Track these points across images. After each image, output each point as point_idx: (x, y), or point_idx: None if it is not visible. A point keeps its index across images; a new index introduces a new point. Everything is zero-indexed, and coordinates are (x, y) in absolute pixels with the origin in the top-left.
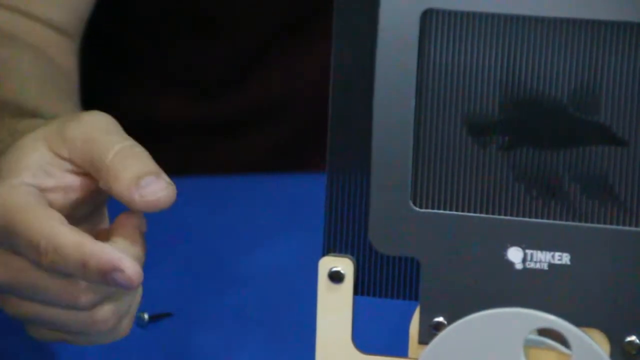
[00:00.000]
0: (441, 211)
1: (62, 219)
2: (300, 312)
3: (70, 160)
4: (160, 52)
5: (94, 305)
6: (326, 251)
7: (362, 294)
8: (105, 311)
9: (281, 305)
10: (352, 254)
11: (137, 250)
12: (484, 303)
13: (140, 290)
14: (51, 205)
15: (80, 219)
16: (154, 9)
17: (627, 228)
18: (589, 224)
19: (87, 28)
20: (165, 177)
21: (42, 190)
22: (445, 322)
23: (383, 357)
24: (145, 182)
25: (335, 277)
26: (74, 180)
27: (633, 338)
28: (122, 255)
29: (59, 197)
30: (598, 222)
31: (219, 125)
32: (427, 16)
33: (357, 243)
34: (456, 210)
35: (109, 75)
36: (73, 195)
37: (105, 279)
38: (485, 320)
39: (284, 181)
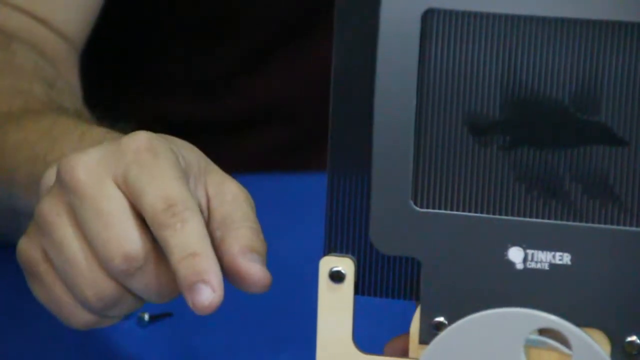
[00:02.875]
0: (442, 211)
1: None
2: (300, 312)
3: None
4: (162, 53)
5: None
6: (327, 251)
7: (363, 294)
8: (109, 290)
9: (281, 305)
10: (353, 254)
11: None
12: (484, 303)
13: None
14: None
15: None
16: (156, 9)
17: (627, 228)
18: (589, 224)
19: (92, 29)
20: (263, 267)
21: None
22: (446, 322)
23: (383, 357)
24: (242, 261)
25: (336, 277)
26: None
27: (634, 338)
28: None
29: None
30: (599, 222)
31: (220, 126)
32: (428, 16)
33: (358, 243)
34: (457, 210)
35: (111, 76)
36: None
37: (191, 288)
38: (485, 320)
39: (284, 181)
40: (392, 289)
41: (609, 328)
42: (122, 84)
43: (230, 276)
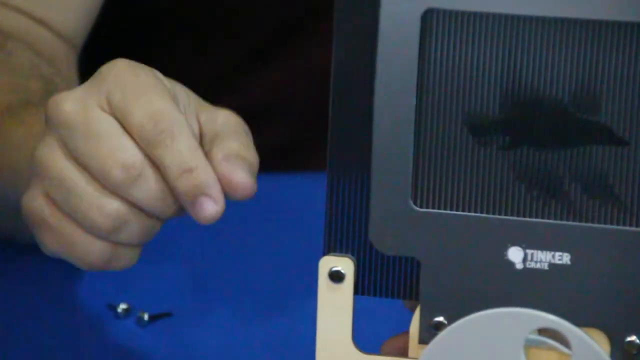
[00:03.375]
0: (441, 211)
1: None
2: (300, 312)
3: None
4: (160, 52)
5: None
6: (326, 251)
7: (362, 293)
8: (114, 206)
9: (281, 305)
10: (353, 254)
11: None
12: (484, 303)
13: (156, 228)
14: None
15: None
16: (154, 9)
17: (627, 228)
18: (589, 224)
19: (90, 29)
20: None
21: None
22: (446, 322)
23: (383, 357)
24: (230, 165)
25: (336, 276)
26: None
27: (633, 338)
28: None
29: None
30: (598, 222)
31: None
32: (428, 16)
33: (358, 243)
34: (456, 210)
35: None
36: None
37: (194, 200)
38: (485, 320)
39: (284, 181)
40: (391, 289)
41: (608, 328)
42: None
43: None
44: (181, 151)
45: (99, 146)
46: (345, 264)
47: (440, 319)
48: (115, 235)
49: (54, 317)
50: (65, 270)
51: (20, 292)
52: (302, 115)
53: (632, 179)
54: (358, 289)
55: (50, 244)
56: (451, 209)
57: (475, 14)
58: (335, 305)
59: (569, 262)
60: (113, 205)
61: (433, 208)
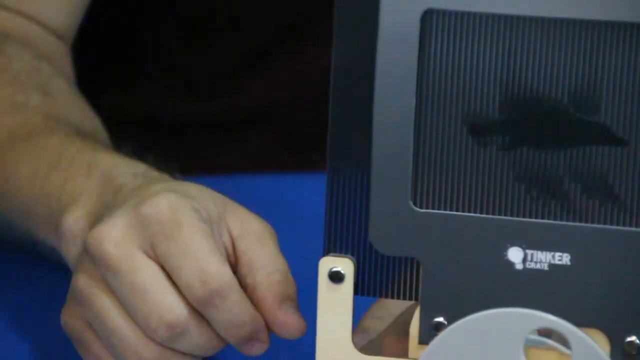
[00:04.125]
0: (441, 211)
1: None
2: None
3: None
4: (160, 52)
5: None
6: (326, 251)
7: (362, 294)
8: (155, 354)
9: None
10: (352, 254)
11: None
12: (484, 303)
13: None
14: None
15: None
16: (154, 8)
17: (627, 228)
18: (589, 224)
19: (88, 27)
20: (299, 316)
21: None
22: (446, 322)
23: (382, 358)
24: (280, 311)
25: (336, 277)
26: None
27: (633, 338)
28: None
29: None
30: (598, 222)
31: (219, 125)
32: (428, 16)
33: (357, 243)
34: (456, 210)
35: (109, 74)
36: None
37: (247, 342)
38: (485, 321)
39: (284, 181)
40: (391, 289)
41: (608, 328)
42: (118, 83)
43: (268, 325)
44: (231, 309)
45: (143, 300)
46: (345, 265)
47: (440, 319)
48: None
49: (55, 318)
50: (65, 272)
51: (20, 293)
52: (302, 115)
53: (632, 179)
54: (358, 289)
55: None
56: (451, 209)
57: (475, 14)
58: (335, 306)
59: (569, 263)
60: (155, 353)
61: (433, 208)
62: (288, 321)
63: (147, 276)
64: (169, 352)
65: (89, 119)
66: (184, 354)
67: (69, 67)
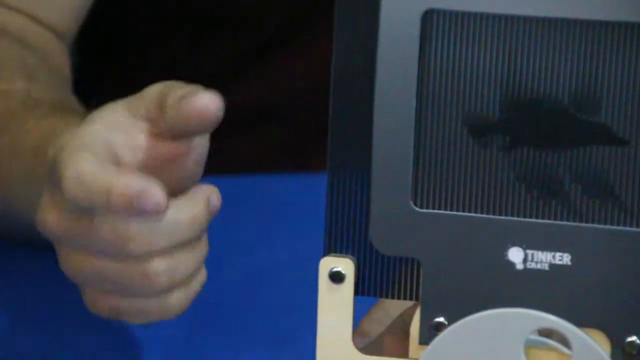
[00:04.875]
0: (442, 211)
1: (97, 152)
2: (300, 312)
3: (147, 119)
4: (159, 52)
5: (146, 257)
6: (327, 251)
7: (363, 294)
8: (158, 265)
9: (281, 305)
10: (353, 254)
11: (194, 211)
12: (484, 303)
13: (204, 271)
14: (118, 160)
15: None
16: (154, 8)
17: (627, 228)
18: (589, 224)
19: (88, 26)
20: (209, 94)
21: (111, 144)
22: (446, 323)
23: (383, 358)
24: (189, 96)
25: (336, 277)
26: (147, 142)
27: (634, 338)
28: (149, 182)
29: (127, 155)
30: (599, 222)
31: (219, 126)
32: (428, 16)
33: (358, 243)
34: (457, 211)
35: (108, 74)
36: (141, 156)
37: (132, 205)
38: (485, 321)
39: (284, 181)
40: (392, 289)
41: (608, 328)
42: (118, 82)
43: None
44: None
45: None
46: (345, 265)
47: (441, 319)
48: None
49: (55, 319)
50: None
51: (20, 292)
52: (302, 115)
53: (632, 179)
54: (358, 290)
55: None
56: (451, 210)
57: (475, 14)
58: (335, 306)
59: (569, 263)
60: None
61: (433, 208)
62: (185, 108)
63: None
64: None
65: (74, 104)
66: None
67: (67, 66)
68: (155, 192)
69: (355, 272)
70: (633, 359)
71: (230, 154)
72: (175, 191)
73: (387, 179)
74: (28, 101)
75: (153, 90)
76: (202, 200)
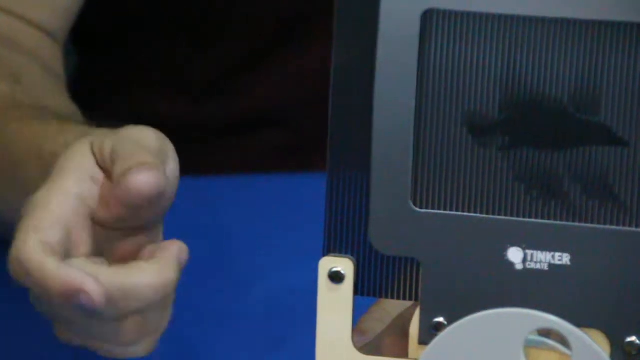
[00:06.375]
0: (441, 211)
1: (48, 238)
2: (300, 312)
3: (105, 171)
4: (160, 53)
5: (116, 318)
6: (326, 251)
7: (362, 294)
8: (128, 324)
9: (281, 305)
10: (353, 254)
11: (165, 275)
12: (484, 303)
13: (169, 312)
14: (93, 213)
15: (135, 232)
16: (153, 9)
17: (627, 228)
18: (589, 224)
19: (86, 27)
20: (151, 169)
21: (84, 197)
22: (446, 323)
23: (382, 358)
24: (126, 174)
25: (336, 277)
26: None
27: (633, 339)
28: (85, 276)
29: (101, 206)
30: (598, 223)
31: (219, 126)
32: (428, 16)
33: (357, 243)
34: (456, 210)
35: (108, 76)
36: (116, 209)
37: (71, 301)
38: (485, 321)
39: (284, 181)
40: (391, 289)
41: (608, 328)
42: (117, 85)
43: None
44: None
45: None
46: (345, 265)
47: (440, 319)
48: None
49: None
50: None
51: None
52: (301, 116)
53: (632, 179)
54: (358, 290)
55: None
56: (451, 210)
57: (475, 14)
58: (335, 306)
59: (569, 263)
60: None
61: (433, 208)
62: (129, 185)
63: None
64: None
65: (63, 104)
66: None
67: (60, 67)
68: (90, 289)
69: (354, 272)
70: (633, 359)
71: (231, 154)
72: (148, 224)
73: (387, 179)
74: (9, 105)
75: (110, 142)
76: (173, 263)
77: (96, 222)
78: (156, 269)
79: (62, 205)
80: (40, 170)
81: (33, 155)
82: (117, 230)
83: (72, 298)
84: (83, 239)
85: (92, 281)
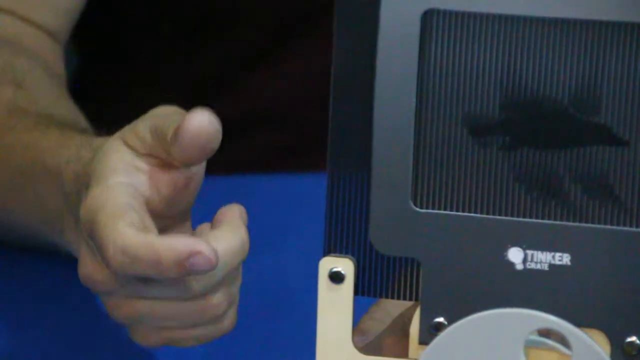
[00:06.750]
0: (441, 211)
1: (133, 220)
2: (300, 312)
3: (148, 155)
4: (159, 53)
5: (206, 292)
6: (326, 251)
7: (363, 294)
8: (218, 297)
9: (281, 306)
10: (353, 255)
11: (240, 236)
12: (484, 303)
13: (239, 280)
14: (149, 202)
15: (170, 224)
16: (153, 9)
17: (627, 228)
18: (589, 225)
19: (87, 28)
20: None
21: (136, 186)
22: (446, 323)
23: (382, 358)
24: (183, 123)
25: (336, 277)
26: (163, 175)
27: (633, 339)
28: (194, 239)
29: (152, 193)
30: (598, 223)
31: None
32: (428, 16)
33: (358, 243)
34: (456, 211)
35: (108, 75)
36: (166, 191)
37: (185, 268)
38: (485, 321)
39: (284, 181)
40: (391, 289)
41: (608, 328)
42: (118, 84)
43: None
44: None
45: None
46: (345, 265)
47: (440, 319)
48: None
49: (54, 318)
50: (69, 269)
51: (24, 292)
52: (302, 116)
53: (632, 179)
54: (358, 290)
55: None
56: (451, 210)
57: (475, 14)
58: (335, 306)
59: (569, 263)
60: None
61: (433, 208)
62: (191, 129)
63: None
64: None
65: (65, 107)
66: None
67: (61, 67)
68: (203, 249)
69: (355, 272)
70: (633, 359)
71: (231, 154)
72: (178, 216)
73: (387, 179)
74: (13, 112)
75: (144, 125)
76: (241, 223)
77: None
78: (231, 232)
79: (123, 194)
80: (46, 180)
81: (38, 166)
82: (160, 219)
83: (189, 263)
84: (149, 225)
85: (203, 242)
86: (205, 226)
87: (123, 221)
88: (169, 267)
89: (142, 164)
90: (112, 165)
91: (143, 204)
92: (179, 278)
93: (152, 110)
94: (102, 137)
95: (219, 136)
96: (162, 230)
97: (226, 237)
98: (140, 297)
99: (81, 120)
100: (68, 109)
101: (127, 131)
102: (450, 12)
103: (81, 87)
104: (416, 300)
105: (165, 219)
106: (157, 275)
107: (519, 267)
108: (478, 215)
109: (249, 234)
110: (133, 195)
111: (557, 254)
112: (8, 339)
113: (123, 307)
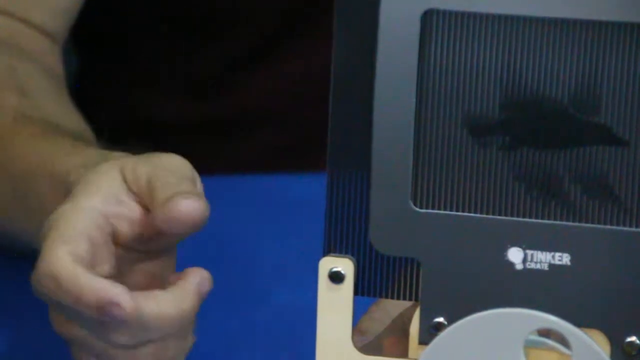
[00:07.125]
0: (441, 211)
1: (78, 250)
2: (300, 312)
3: (137, 195)
4: (159, 52)
5: (135, 345)
6: (326, 251)
7: (362, 294)
8: (146, 352)
9: (281, 305)
10: (353, 254)
11: (181, 306)
12: (484, 303)
13: (188, 341)
14: (115, 233)
15: (149, 258)
16: (153, 8)
17: (627, 228)
18: (589, 225)
19: (87, 28)
20: (198, 198)
21: (109, 216)
22: (446, 323)
23: (382, 358)
24: (173, 201)
25: (336, 277)
26: (142, 215)
27: (633, 339)
28: (121, 288)
29: (124, 227)
30: (598, 223)
31: (219, 126)
32: (428, 16)
33: (357, 243)
34: (456, 211)
35: (108, 75)
36: (138, 229)
37: (103, 312)
38: (485, 321)
39: (284, 181)
40: (391, 289)
41: (608, 328)
42: (117, 84)
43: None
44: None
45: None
46: (345, 265)
47: (440, 319)
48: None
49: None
50: None
51: (24, 293)
52: (302, 115)
53: (632, 179)
54: (358, 290)
55: None
56: (451, 210)
57: (475, 14)
58: (335, 306)
59: (569, 263)
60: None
61: (433, 208)
62: (173, 213)
63: None
64: None
65: (69, 115)
66: None
67: (60, 68)
68: (122, 299)
69: (354, 272)
70: (633, 359)
71: (231, 153)
72: (166, 248)
73: (387, 179)
74: (18, 119)
75: (145, 169)
76: (192, 293)
77: (116, 243)
78: (173, 299)
79: (88, 220)
80: (51, 187)
81: (45, 172)
82: (135, 252)
83: (105, 309)
84: (105, 257)
85: (125, 293)
86: (172, 277)
87: (66, 247)
88: (88, 305)
89: (127, 199)
90: (95, 187)
91: (107, 235)
92: (100, 319)
93: (162, 157)
94: (105, 152)
95: (204, 221)
96: (141, 260)
97: (165, 301)
98: (75, 323)
99: (89, 133)
100: (74, 120)
101: (128, 163)
102: (450, 12)
103: (81, 87)
104: (416, 300)
105: (143, 252)
106: (78, 310)
107: (519, 267)
108: (478, 215)
109: (197, 305)
110: (98, 224)
111: (557, 254)
112: (8, 339)
113: (59, 323)
